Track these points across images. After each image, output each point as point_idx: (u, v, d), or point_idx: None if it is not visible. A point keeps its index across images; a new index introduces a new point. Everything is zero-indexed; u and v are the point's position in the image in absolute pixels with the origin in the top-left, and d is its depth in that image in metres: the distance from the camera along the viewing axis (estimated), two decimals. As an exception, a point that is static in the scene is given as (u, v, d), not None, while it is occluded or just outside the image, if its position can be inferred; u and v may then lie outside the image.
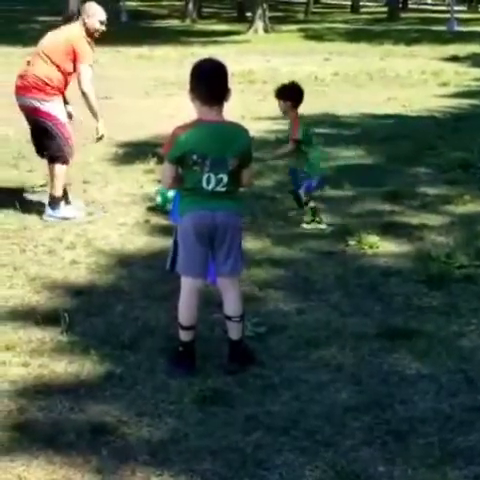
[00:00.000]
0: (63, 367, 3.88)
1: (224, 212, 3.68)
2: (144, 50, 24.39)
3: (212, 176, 3.60)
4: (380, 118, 11.74)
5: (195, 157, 3.57)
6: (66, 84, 6.62)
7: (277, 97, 6.33)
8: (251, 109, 12.61)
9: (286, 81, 7.01)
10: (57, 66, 6.38)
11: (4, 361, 3.91)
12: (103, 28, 6.75)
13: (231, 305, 3.82)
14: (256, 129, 10.81)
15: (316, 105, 13.07)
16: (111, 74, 17.92)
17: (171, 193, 5.94)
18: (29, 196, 7.09)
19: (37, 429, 3.31)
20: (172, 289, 4.80)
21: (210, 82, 3.61)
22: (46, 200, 6.63)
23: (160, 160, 8.23)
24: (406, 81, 16.59)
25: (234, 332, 3.83)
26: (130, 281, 5.10)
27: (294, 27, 33.54)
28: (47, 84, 6.34)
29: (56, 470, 3.03)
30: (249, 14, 34.87)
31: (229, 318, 3.83)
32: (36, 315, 4.48)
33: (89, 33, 6.61)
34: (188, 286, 3.76)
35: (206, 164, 3.58)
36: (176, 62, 21.66)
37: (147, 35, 29.75)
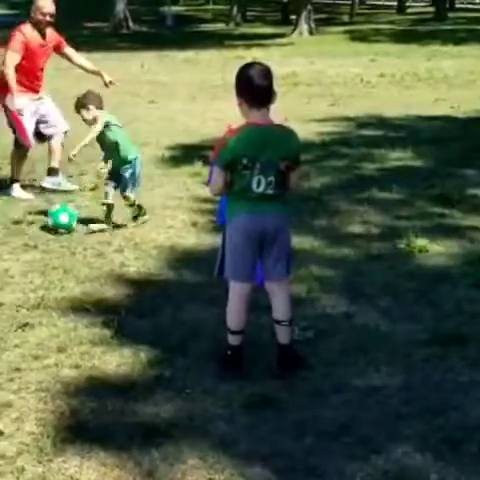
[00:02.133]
0: (113, 369, 3.91)
1: (274, 215, 3.67)
2: (190, 54, 24.53)
3: (262, 179, 3.59)
4: (428, 119, 11.59)
5: (245, 161, 3.57)
6: None
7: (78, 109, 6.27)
8: (295, 112, 12.55)
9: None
10: None
11: (56, 363, 3.96)
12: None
13: (280, 309, 3.80)
14: (300, 131, 10.77)
15: (362, 107, 13.01)
16: (158, 78, 18.10)
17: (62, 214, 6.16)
18: (78, 199, 7.18)
19: (89, 430, 3.34)
20: (220, 293, 4.82)
21: (257, 85, 3.60)
22: (95, 203, 6.74)
23: (206, 163, 8.28)
24: (454, 82, 16.37)
25: (283, 336, 3.81)
26: (178, 284, 5.12)
27: (339, 29, 33.38)
28: None
29: (108, 472, 3.05)
30: (293, 17, 34.83)
31: (278, 322, 3.81)
32: (86, 317, 4.53)
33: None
34: (237, 291, 3.76)
35: (256, 167, 3.58)
36: (221, 65, 21.74)
37: (192, 39, 29.94)
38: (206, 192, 7.38)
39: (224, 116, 12.33)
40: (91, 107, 6.17)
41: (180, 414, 3.48)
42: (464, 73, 17.55)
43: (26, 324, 4.43)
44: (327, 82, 17.32)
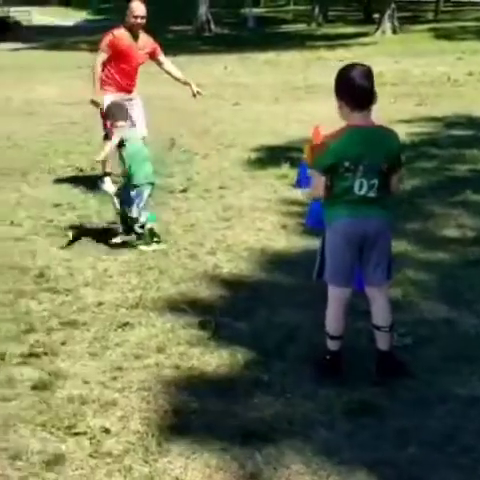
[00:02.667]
0: (212, 370, 3.95)
1: (375, 219, 3.63)
2: (271, 55, 24.56)
3: (364, 182, 3.55)
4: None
5: (347, 164, 3.54)
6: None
7: None
8: (383, 112, 12.38)
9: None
10: None
11: (157, 362, 4.04)
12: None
13: (380, 314, 3.76)
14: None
15: (451, 106, 12.71)
16: (240, 80, 18.19)
17: None
18: (169, 201, 7.30)
19: (192, 431, 3.39)
20: (314, 296, 4.81)
21: (360, 87, 3.57)
22: (187, 205, 6.84)
23: (293, 165, 8.27)
24: None
25: (383, 342, 3.77)
26: (271, 286, 5.13)
27: (423, 27, 32.73)
28: None
29: (212, 474, 3.09)
30: (376, 16, 34.36)
31: (378, 328, 3.77)
32: (183, 318, 4.60)
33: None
34: (337, 296, 3.73)
35: (359, 170, 3.54)
36: (302, 66, 21.68)
37: (274, 40, 29.97)
38: (294, 194, 7.41)
39: (309, 118, 12.29)
40: (115, 119, 6.11)
41: (280, 418, 3.49)
42: None
43: (126, 323, 4.53)
44: (413, 81, 17.02)
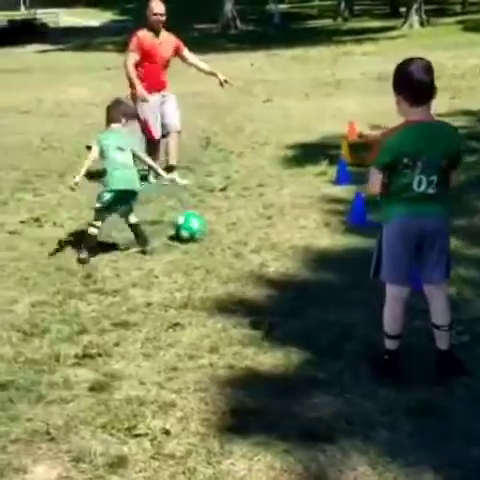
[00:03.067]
0: (267, 371, 3.92)
1: (434, 217, 3.57)
2: (298, 51, 24.47)
3: (423, 178, 3.49)
4: None
5: (406, 160, 3.48)
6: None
7: None
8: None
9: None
10: None
11: (211, 363, 4.02)
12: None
13: (439, 313, 3.70)
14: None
15: (486, 99, 12.54)
16: (269, 77, 18.14)
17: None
18: (209, 200, 7.29)
19: (252, 432, 3.36)
20: (364, 294, 4.78)
21: (419, 81, 3.50)
22: (227, 203, 6.85)
23: (331, 162, 8.22)
24: None
25: (443, 342, 3.71)
26: (319, 285, 5.09)
27: (451, 19, 32.45)
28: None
29: (277, 476, 3.06)
30: (403, 9, 34.10)
31: (437, 327, 3.71)
32: (233, 317, 4.59)
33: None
34: (395, 294, 3.68)
35: (417, 166, 3.48)
36: (330, 62, 21.56)
37: (300, 36, 29.87)
38: (335, 191, 7.35)
39: (340, 113, 12.23)
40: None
41: (340, 419, 3.45)
42: None
43: (176, 324, 4.52)
44: (445, 74, 16.78)
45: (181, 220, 6.06)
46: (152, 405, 3.62)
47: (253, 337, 4.30)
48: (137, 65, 7.78)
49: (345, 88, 15.68)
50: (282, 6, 40.51)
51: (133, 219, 5.96)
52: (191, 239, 5.98)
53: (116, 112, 5.99)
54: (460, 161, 3.66)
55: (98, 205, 5.85)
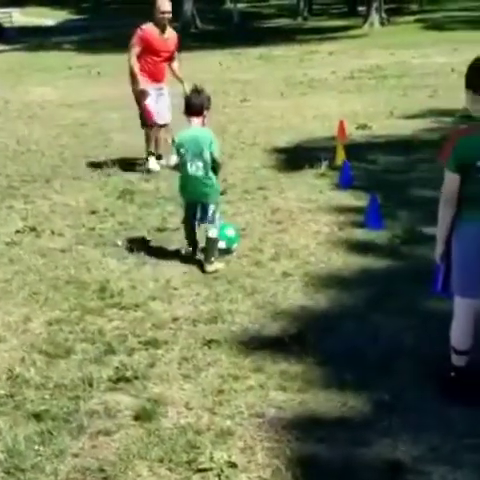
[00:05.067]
0: (323, 392, 3.65)
1: (511, 225, 3.35)
2: (263, 51, 24.24)
3: None
4: None
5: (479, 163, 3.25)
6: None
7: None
8: (396, 106, 12.15)
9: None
10: None
11: (260, 384, 3.74)
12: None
13: (512, 326, 3.49)
14: (412, 127, 10.39)
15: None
16: (240, 77, 17.87)
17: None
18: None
19: (325, 462, 3.10)
20: (400, 303, 4.56)
21: None
22: (231, 208, 6.58)
23: (332, 165, 7.99)
24: None
25: (515, 356, 3.51)
26: (351, 295, 4.84)
27: (409, 18, 32.66)
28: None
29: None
30: (361, 8, 34.22)
31: (509, 341, 3.50)
32: (269, 331, 4.32)
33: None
34: (466, 308, 3.45)
35: (492, 171, 3.26)
36: (297, 61, 21.41)
37: (262, 36, 29.66)
38: (340, 194, 7.11)
39: (321, 112, 12.05)
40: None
41: (419, 445, 3.20)
42: None
43: (211, 341, 4.22)
44: (416, 73, 16.82)
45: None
46: (208, 434, 3.32)
47: (296, 354, 4.03)
48: (140, 57, 8.06)
49: (319, 87, 15.51)
50: (240, 5, 40.27)
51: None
52: (229, 250, 5.58)
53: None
54: None
55: None
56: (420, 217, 6.21)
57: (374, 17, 30.58)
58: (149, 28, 8.09)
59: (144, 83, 8.03)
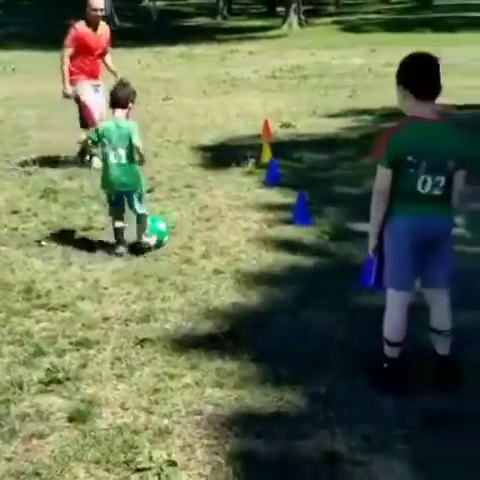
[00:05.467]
0: (259, 388, 3.65)
1: (439, 219, 3.44)
2: (184, 49, 24.16)
3: (428, 179, 3.35)
4: (470, 108, 11.21)
5: (410, 158, 3.32)
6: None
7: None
8: (318, 105, 12.33)
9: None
10: None
11: (196, 381, 3.71)
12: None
13: (441, 318, 3.57)
14: (335, 125, 10.55)
15: (382, 98, 12.71)
16: (161, 75, 17.75)
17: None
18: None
19: (265, 458, 3.09)
20: (330, 299, 4.63)
21: (428, 76, 3.37)
22: (159, 206, 6.52)
23: (258, 163, 8.03)
24: (465, 69, 16.12)
25: (444, 347, 3.60)
26: (282, 291, 4.87)
27: (327, 20, 33.25)
28: None
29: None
30: (279, 9, 34.58)
31: (439, 332, 3.59)
32: (203, 329, 4.30)
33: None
34: (398, 301, 3.51)
35: (422, 165, 3.33)
36: (219, 60, 21.47)
37: (181, 34, 29.55)
38: (268, 192, 7.15)
39: (244, 111, 12.11)
40: None
41: (355, 436, 3.24)
42: (471, 60, 17.46)
43: (144, 339, 4.16)
44: (335, 73, 17.13)
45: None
46: (146, 433, 3.27)
47: (231, 351, 4.02)
48: (75, 57, 8.09)
49: (242, 86, 15.59)
50: (159, 3, 39.99)
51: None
52: (160, 244, 5.63)
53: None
54: (467, 162, 3.54)
55: None
56: (346, 213, 6.34)
57: (293, 18, 30.99)
58: (82, 27, 8.10)
59: (69, 87, 8.10)
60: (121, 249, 5.53)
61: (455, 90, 12.54)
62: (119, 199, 5.59)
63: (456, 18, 29.59)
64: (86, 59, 8.15)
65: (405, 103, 3.44)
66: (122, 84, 5.63)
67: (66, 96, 8.17)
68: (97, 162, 7.88)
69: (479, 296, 4.62)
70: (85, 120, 8.08)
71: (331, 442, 3.19)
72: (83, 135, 7.51)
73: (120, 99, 5.53)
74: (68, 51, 8.06)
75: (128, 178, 5.48)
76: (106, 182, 5.58)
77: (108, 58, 8.53)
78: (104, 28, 8.36)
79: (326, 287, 4.84)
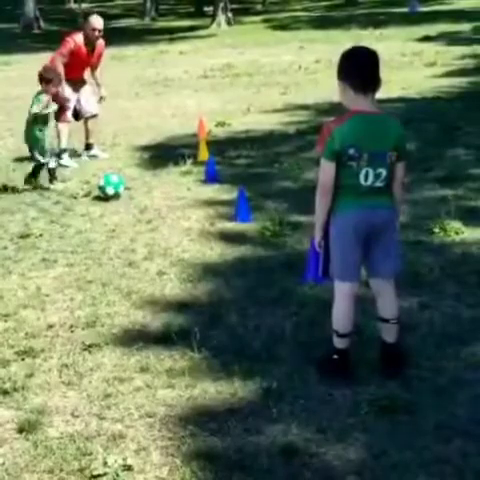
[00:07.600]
0: (212, 386, 3.64)
1: (383, 210, 3.48)
2: (113, 51, 23.76)
3: (370, 171, 3.39)
4: (386, 102, 11.52)
5: (352, 151, 3.36)
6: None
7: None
8: (252, 102, 12.37)
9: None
10: None
11: (147, 384, 3.66)
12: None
13: (388, 307, 3.62)
14: (270, 122, 10.61)
15: (314, 94, 12.87)
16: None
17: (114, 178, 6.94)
18: (75, 207, 6.79)
19: (223, 455, 3.08)
20: (275, 293, 4.65)
21: (367, 69, 3.41)
22: (97, 209, 6.41)
23: (196, 161, 8.01)
24: (391, 64, 16.44)
25: (391, 335, 3.65)
26: (228, 289, 4.86)
27: (256, 18, 33.34)
28: None
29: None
30: (207, 8, 34.55)
31: (387, 321, 3.63)
32: (152, 331, 4.25)
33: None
34: (345, 291, 3.55)
35: (363, 158, 3.36)
36: (150, 61, 21.30)
37: (109, 36, 29.06)
38: (208, 190, 7.13)
39: (178, 111, 12.06)
40: None
41: (309, 428, 3.26)
42: (396, 55, 17.79)
43: (91, 345, 4.09)
44: (266, 71, 17.20)
45: (102, 182, 6.93)
46: (99, 439, 3.22)
47: (181, 350, 3.99)
48: (64, 65, 8.42)
49: (174, 86, 15.51)
50: (85, 5, 39.43)
51: None
52: (117, 194, 6.80)
53: None
54: (406, 154, 3.59)
55: None
56: (286, 208, 6.37)
57: (221, 17, 30.97)
58: (80, 43, 8.47)
59: (68, 89, 8.53)
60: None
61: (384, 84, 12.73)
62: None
63: (380, 14, 30.11)
64: (74, 70, 8.54)
65: (346, 97, 3.47)
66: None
67: (66, 100, 8.50)
68: (67, 159, 8.54)
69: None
70: (59, 115, 8.40)
71: (287, 435, 3.20)
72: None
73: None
74: (63, 60, 8.42)
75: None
76: None
77: (98, 72, 9.12)
78: (100, 45, 8.83)
79: (272, 282, 4.85)
